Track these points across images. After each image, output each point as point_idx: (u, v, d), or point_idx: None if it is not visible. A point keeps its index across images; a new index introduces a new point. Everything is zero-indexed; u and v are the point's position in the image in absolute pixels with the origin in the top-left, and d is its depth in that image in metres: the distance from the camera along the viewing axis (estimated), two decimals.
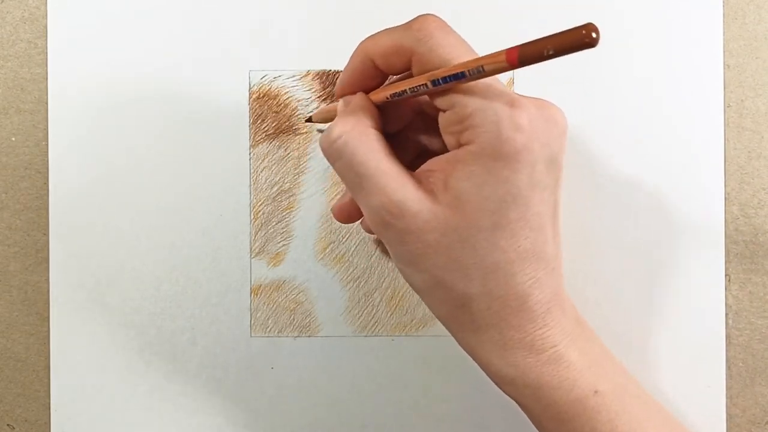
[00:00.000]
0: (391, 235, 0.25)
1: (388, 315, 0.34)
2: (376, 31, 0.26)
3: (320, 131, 0.34)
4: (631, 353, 0.33)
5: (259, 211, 0.34)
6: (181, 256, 0.34)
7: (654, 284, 0.33)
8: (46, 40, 0.34)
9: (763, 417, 0.33)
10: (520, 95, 0.24)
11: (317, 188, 0.34)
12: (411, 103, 0.28)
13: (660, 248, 0.33)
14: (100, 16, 0.34)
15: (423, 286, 0.26)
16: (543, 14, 0.33)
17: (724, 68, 0.33)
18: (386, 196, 0.24)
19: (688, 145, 0.33)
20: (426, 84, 0.24)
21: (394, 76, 0.27)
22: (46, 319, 0.34)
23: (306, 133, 0.34)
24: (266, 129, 0.34)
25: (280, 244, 0.34)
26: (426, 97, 0.26)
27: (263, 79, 0.34)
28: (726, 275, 0.33)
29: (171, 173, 0.34)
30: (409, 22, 0.25)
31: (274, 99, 0.34)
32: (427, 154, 0.27)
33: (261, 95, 0.34)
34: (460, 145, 0.24)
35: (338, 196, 0.33)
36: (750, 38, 0.33)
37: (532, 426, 0.27)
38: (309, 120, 0.33)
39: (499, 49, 0.21)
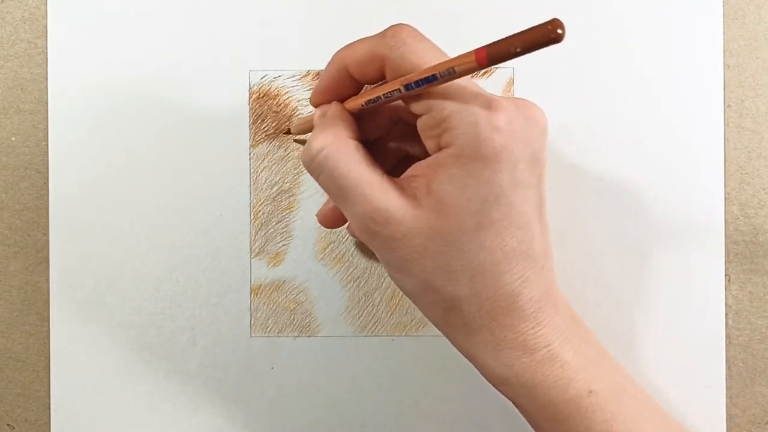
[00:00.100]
0: (378, 243, 0.25)
1: (388, 315, 0.34)
2: (352, 41, 0.26)
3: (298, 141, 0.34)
4: (631, 353, 0.33)
5: (259, 211, 0.34)
6: (181, 256, 0.34)
7: (654, 284, 0.33)
8: (46, 40, 0.34)
9: (763, 417, 0.33)
10: (498, 96, 0.24)
11: (317, 188, 0.34)
12: (388, 111, 0.28)
13: (660, 248, 0.33)
14: (100, 16, 0.34)
15: (413, 291, 0.26)
16: (543, 14, 0.33)
17: (724, 68, 0.33)
18: (370, 204, 0.24)
19: (688, 145, 0.33)
20: (399, 89, 0.24)
21: (369, 86, 0.27)
22: (46, 319, 0.34)
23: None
24: (266, 129, 0.34)
25: (280, 244, 0.34)
26: (402, 104, 0.26)
27: (263, 79, 0.34)
28: (726, 275, 0.33)
29: (171, 173, 0.34)
30: (383, 30, 0.25)
31: (274, 99, 0.34)
32: (410, 159, 0.27)
33: (261, 95, 0.34)
34: (440, 149, 0.24)
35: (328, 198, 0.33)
36: (750, 38, 0.33)
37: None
38: (288, 132, 0.33)
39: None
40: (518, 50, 0.20)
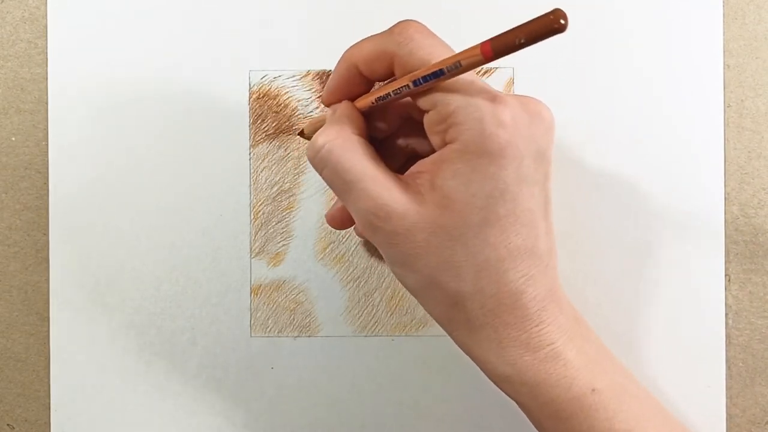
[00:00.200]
0: (380, 238, 0.25)
1: (388, 315, 0.34)
2: (360, 39, 0.26)
3: None
4: (631, 353, 0.33)
5: (259, 211, 0.34)
6: (181, 256, 0.34)
7: (654, 284, 0.33)
8: (46, 40, 0.34)
9: (763, 417, 0.33)
10: (504, 93, 0.24)
11: (317, 188, 0.34)
12: (398, 109, 0.28)
13: (660, 248, 0.33)
14: (100, 16, 0.34)
15: (416, 287, 0.26)
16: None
17: (724, 68, 0.33)
18: (372, 200, 0.24)
19: (688, 145, 0.33)
20: (408, 85, 0.24)
21: (380, 83, 0.27)
22: (46, 319, 0.34)
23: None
24: (266, 129, 0.34)
25: (280, 244, 0.34)
26: (411, 102, 0.26)
27: (263, 79, 0.34)
28: (726, 275, 0.33)
29: (171, 173, 0.34)
30: (390, 27, 0.25)
31: (274, 99, 0.34)
32: (418, 158, 0.27)
33: (261, 95, 0.34)
34: (445, 144, 0.24)
35: (336, 199, 0.33)
36: (750, 38, 0.33)
37: (532, 426, 0.27)
38: (301, 134, 0.33)
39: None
40: (522, 41, 0.20)
